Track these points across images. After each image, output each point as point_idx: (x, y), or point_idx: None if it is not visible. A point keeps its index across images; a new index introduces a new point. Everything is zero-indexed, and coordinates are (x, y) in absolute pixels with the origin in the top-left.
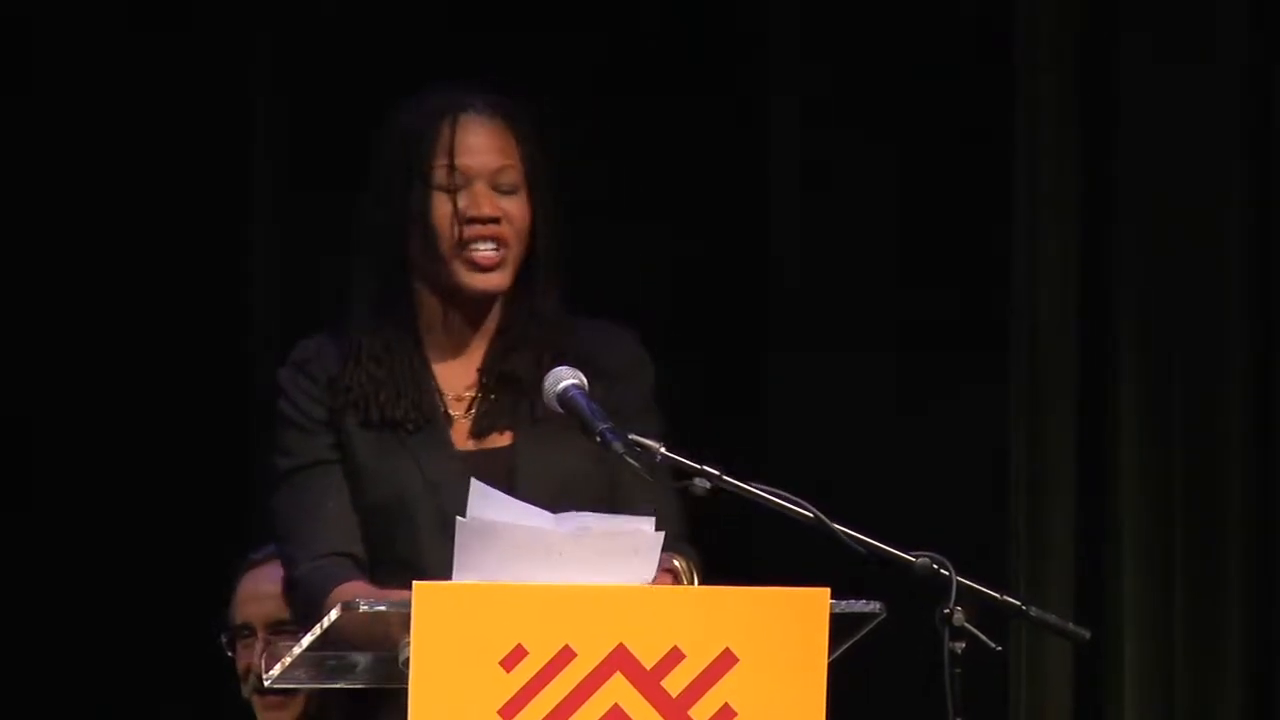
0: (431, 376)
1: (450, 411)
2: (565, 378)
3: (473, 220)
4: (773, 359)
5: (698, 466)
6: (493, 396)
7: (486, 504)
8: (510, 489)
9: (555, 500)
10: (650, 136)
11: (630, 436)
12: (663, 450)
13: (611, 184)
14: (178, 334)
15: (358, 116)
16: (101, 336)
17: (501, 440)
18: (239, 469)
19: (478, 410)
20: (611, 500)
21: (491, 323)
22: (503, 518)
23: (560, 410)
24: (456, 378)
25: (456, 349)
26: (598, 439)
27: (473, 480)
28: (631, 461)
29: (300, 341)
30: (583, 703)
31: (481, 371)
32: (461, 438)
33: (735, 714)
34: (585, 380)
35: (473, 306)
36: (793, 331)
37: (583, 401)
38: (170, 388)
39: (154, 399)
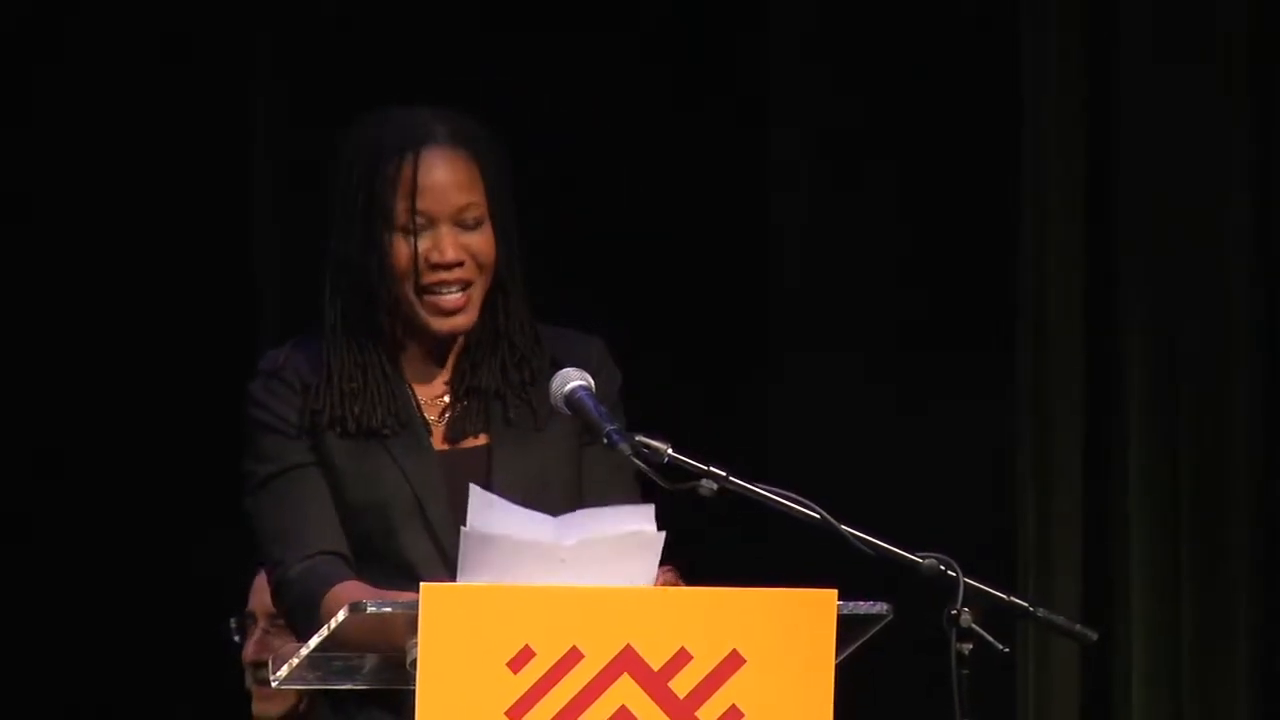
0: (406, 384)
1: (426, 415)
2: (573, 379)
3: (436, 266)
4: (773, 359)
5: (704, 468)
6: (464, 403)
7: (489, 513)
8: (487, 487)
9: (530, 495)
10: (650, 136)
11: (637, 438)
12: (669, 451)
13: (612, 184)
14: (178, 333)
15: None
16: (101, 335)
17: (477, 441)
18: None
19: (451, 414)
20: (581, 493)
21: (460, 337)
22: (506, 528)
23: (567, 411)
24: (429, 388)
25: (426, 363)
26: (604, 440)
27: (472, 487)
28: (639, 463)
29: (268, 352)
30: (590, 704)
31: (450, 384)
32: (438, 440)
33: (743, 715)
34: (592, 382)
35: (438, 336)
36: (793, 332)
37: (590, 403)
38: (170, 386)
39: (153, 397)
